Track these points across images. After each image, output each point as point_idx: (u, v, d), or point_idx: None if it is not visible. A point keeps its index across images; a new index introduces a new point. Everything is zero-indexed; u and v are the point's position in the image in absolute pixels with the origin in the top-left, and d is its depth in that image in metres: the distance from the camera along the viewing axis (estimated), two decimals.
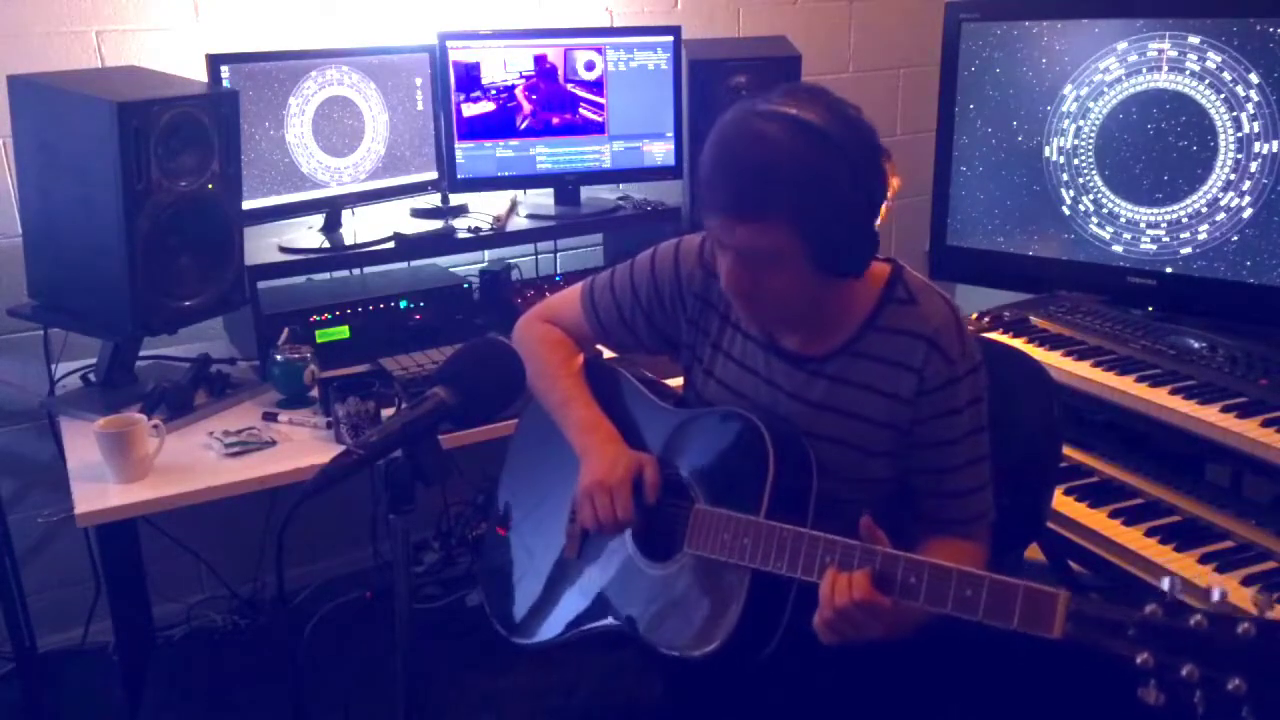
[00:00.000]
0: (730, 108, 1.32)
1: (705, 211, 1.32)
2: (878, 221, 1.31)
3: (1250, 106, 2.08)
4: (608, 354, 1.89)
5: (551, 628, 1.54)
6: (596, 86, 2.57)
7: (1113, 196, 2.32)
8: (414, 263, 2.60)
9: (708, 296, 1.53)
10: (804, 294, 1.34)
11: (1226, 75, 2.10)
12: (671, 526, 1.43)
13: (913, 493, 1.45)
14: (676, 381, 1.67)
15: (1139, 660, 1.00)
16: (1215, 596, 1.02)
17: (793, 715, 1.44)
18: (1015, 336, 2.23)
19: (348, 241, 2.38)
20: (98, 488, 1.79)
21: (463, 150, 2.51)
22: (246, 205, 2.16)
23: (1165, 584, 1.04)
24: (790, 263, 1.29)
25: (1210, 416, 1.81)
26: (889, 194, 1.31)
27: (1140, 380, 1.97)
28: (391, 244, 2.38)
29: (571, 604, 1.53)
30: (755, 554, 1.31)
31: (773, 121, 1.26)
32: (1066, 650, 1.08)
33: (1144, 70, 2.22)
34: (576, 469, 1.51)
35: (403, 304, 2.37)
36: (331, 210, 2.43)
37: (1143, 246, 2.28)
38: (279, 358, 2.09)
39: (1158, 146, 2.22)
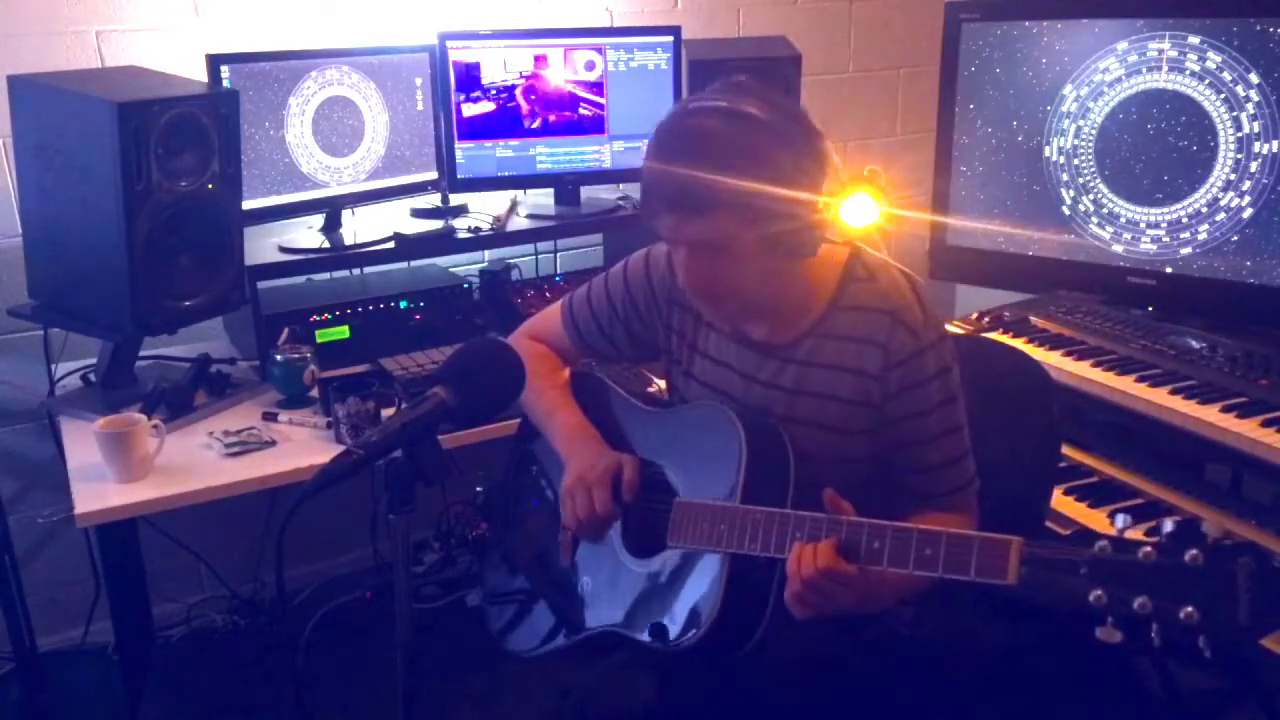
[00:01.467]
0: (668, 112, 1.36)
1: (653, 214, 1.35)
2: (823, 201, 1.34)
3: (1250, 106, 2.08)
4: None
5: (551, 637, 1.56)
6: (596, 86, 2.57)
7: (1113, 196, 2.32)
8: (414, 263, 2.60)
9: (681, 300, 1.55)
10: (761, 279, 1.36)
11: (1226, 75, 2.10)
12: (657, 523, 1.45)
13: (894, 470, 1.46)
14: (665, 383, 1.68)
15: (1092, 598, 1.00)
16: (1168, 528, 1.03)
17: (787, 715, 1.44)
18: (1015, 336, 2.23)
19: (348, 241, 2.38)
20: (98, 488, 1.79)
21: (463, 150, 2.51)
22: (246, 205, 2.16)
23: (1118, 521, 1.04)
24: (742, 250, 1.32)
25: (1210, 416, 1.82)
26: (830, 169, 1.34)
27: (1140, 380, 1.97)
28: (391, 244, 2.38)
29: (569, 611, 1.54)
30: (730, 539, 1.33)
31: (706, 116, 1.30)
32: (1071, 648, 1.08)
33: (1144, 70, 2.22)
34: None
35: (403, 304, 2.37)
36: (331, 210, 2.42)
37: (1143, 246, 2.28)
38: (279, 358, 2.09)
39: (1158, 146, 2.22)
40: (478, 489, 2.41)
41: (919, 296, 1.42)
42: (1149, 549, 0.99)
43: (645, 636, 1.40)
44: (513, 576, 1.67)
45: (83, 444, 1.90)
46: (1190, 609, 0.94)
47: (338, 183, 2.40)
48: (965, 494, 1.46)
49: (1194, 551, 0.96)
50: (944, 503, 1.44)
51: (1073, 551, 1.03)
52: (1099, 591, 1.00)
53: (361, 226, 2.48)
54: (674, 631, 1.37)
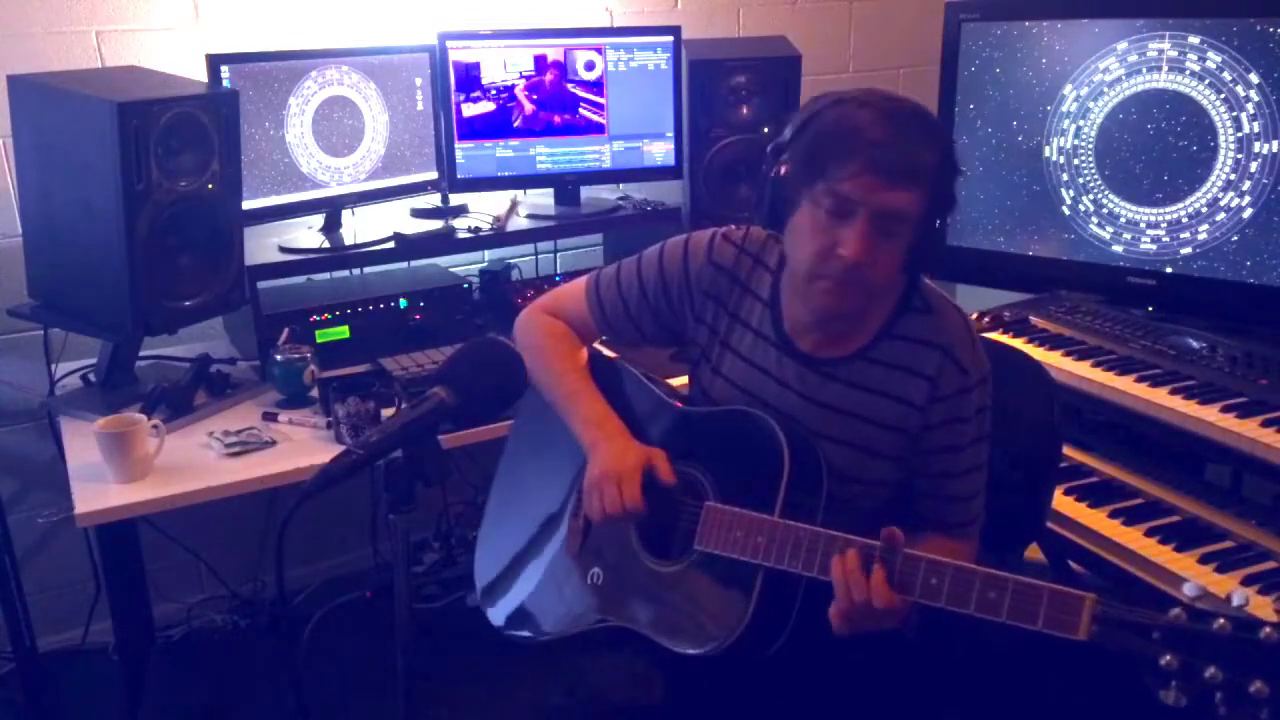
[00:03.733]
0: (825, 94, 1.35)
1: (841, 174, 1.27)
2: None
3: (1250, 106, 2.08)
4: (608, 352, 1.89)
5: (550, 624, 1.53)
6: (596, 86, 2.57)
7: (1113, 196, 2.32)
8: (414, 263, 2.60)
9: (716, 294, 1.53)
10: (890, 279, 1.36)
11: (1226, 75, 2.10)
12: (678, 524, 1.43)
13: (913, 495, 1.46)
14: (676, 381, 1.67)
15: (1163, 662, 1.02)
16: (1236, 601, 1.04)
17: (792, 714, 1.44)
18: (1015, 336, 2.23)
19: (348, 241, 2.38)
20: (98, 488, 1.79)
21: (463, 150, 2.51)
22: (246, 205, 2.16)
23: (1186, 589, 1.06)
24: (903, 240, 1.32)
25: (1210, 416, 1.81)
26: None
27: (1140, 380, 1.97)
28: (391, 244, 2.38)
29: (572, 601, 1.52)
30: (770, 553, 1.31)
31: (907, 103, 1.31)
32: (1076, 650, 1.09)
33: (1144, 70, 2.22)
34: (577, 464, 1.51)
35: (403, 304, 2.37)
36: (331, 210, 2.42)
37: (1143, 246, 2.28)
38: (279, 358, 2.09)
39: (1158, 146, 2.22)
40: (479, 496, 2.41)
41: (972, 335, 1.43)
42: (1224, 621, 1.01)
43: (664, 639, 1.39)
44: (511, 558, 1.64)
45: (83, 444, 1.90)
46: (1260, 684, 0.97)
47: (338, 183, 2.40)
48: (973, 528, 1.46)
49: (1269, 629, 0.99)
50: (952, 532, 1.45)
51: (1147, 615, 1.05)
52: (1169, 657, 1.02)
53: (361, 226, 2.48)
54: (696, 638, 1.35)
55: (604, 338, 1.70)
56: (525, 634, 1.55)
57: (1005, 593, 1.14)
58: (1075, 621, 1.09)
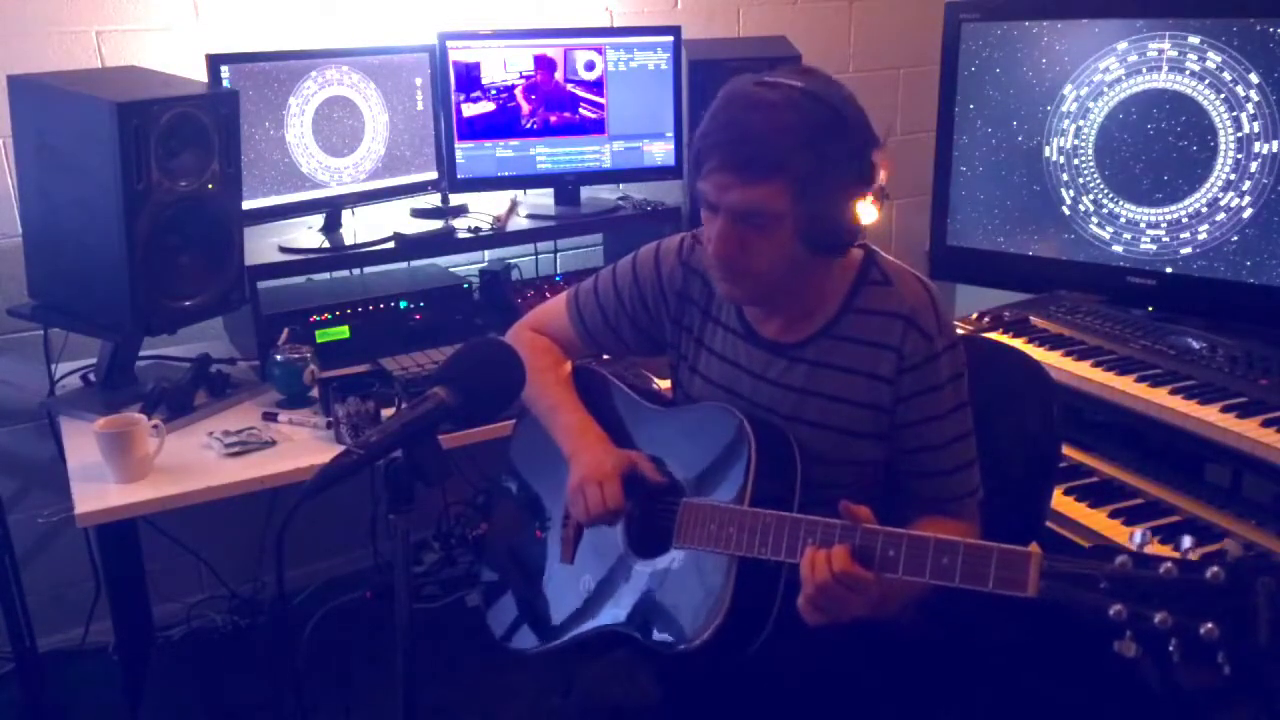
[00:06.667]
0: (728, 81, 1.34)
1: (702, 172, 1.32)
2: (864, 205, 1.34)
3: (1250, 106, 2.08)
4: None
5: (551, 634, 1.55)
6: (596, 86, 2.57)
7: (1113, 196, 2.32)
8: (414, 263, 2.60)
9: (689, 294, 1.55)
10: (786, 268, 1.35)
11: (1226, 75, 2.10)
12: (663, 524, 1.45)
13: (900, 474, 1.46)
14: (667, 383, 1.68)
15: (1112, 612, 1.01)
16: (1185, 544, 1.03)
17: (787, 715, 1.44)
18: (1015, 336, 2.23)
19: (348, 241, 2.38)
20: (98, 488, 1.79)
21: (463, 150, 2.50)
22: (246, 205, 2.16)
23: (1135, 538, 1.05)
24: (780, 229, 1.31)
25: (1210, 416, 1.82)
26: (878, 179, 1.33)
27: (1140, 380, 1.97)
28: (391, 244, 2.38)
29: (570, 609, 1.53)
30: (740, 542, 1.32)
31: (781, 90, 1.28)
32: (1052, 630, 1.08)
33: (1144, 70, 2.22)
34: (567, 474, 1.52)
35: (403, 304, 2.37)
36: (331, 210, 2.42)
37: (1143, 246, 2.28)
38: (279, 358, 2.09)
39: (1158, 146, 2.23)
40: (479, 496, 2.41)
41: (934, 302, 1.42)
42: (1170, 565, 1.00)
43: (650, 637, 1.40)
44: (510, 573, 1.66)
45: (83, 444, 1.90)
46: (1210, 625, 0.95)
47: (338, 183, 2.40)
48: (969, 502, 1.45)
49: (1215, 568, 0.97)
50: (948, 509, 1.44)
51: (1093, 566, 1.04)
52: (1119, 606, 1.00)
53: (361, 226, 2.48)
54: (679, 633, 1.36)
55: (587, 349, 1.71)
56: (530, 648, 1.57)
57: (957, 556, 1.15)
58: (1023, 579, 1.09)
